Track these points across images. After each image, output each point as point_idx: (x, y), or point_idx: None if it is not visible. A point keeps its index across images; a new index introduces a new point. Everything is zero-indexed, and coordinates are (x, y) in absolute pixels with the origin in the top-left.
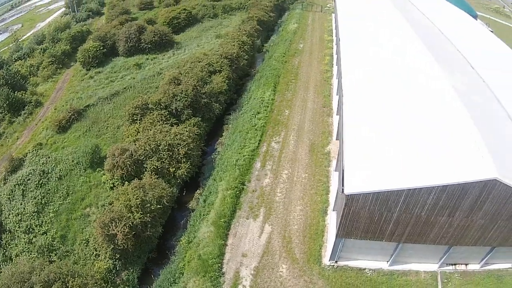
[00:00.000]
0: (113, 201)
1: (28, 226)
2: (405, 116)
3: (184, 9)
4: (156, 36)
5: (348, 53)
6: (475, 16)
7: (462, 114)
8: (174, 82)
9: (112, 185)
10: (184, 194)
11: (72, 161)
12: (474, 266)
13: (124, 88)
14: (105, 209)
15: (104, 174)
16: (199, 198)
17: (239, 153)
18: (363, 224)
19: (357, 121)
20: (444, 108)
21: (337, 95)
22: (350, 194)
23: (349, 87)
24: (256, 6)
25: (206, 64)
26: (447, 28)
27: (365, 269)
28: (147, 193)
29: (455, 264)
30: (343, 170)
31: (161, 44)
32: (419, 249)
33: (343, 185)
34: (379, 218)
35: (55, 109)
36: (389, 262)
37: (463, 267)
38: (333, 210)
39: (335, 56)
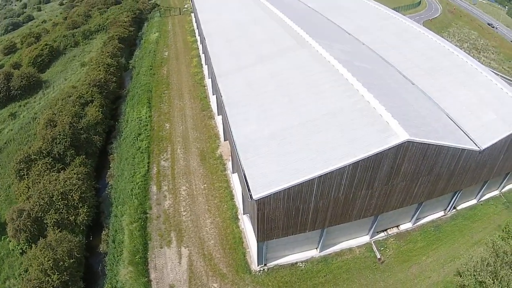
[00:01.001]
0: (27, 268)
1: None
2: (295, 103)
3: (46, 44)
4: (24, 80)
5: (216, 49)
6: None
7: (352, 84)
8: (50, 124)
9: (21, 251)
10: (91, 238)
11: None
12: (406, 225)
13: (5, 143)
14: (22, 278)
15: (10, 241)
16: (107, 240)
17: (132, 182)
18: (281, 223)
19: (244, 119)
20: (333, 83)
21: (213, 95)
22: (260, 198)
23: (225, 85)
24: (115, 24)
25: (77, 98)
26: (317, 4)
27: (296, 263)
28: (56, 251)
29: (386, 230)
30: (244, 176)
31: (30, 86)
32: (345, 227)
33: (249, 191)
34: (297, 212)
35: None
36: (318, 249)
37: (395, 229)
38: (244, 214)
39: (202, 56)
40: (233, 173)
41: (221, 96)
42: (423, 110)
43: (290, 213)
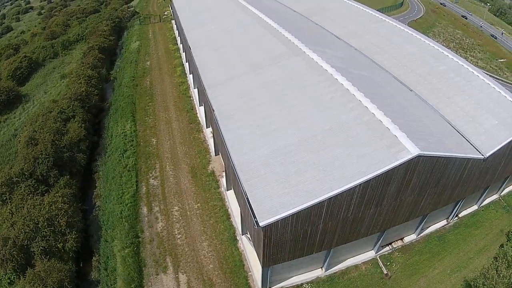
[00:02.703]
0: None
1: None
2: (294, 116)
3: (25, 56)
4: (3, 95)
5: (203, 58)
6: None
7: (354, 95)
8: (31, 143)
9: (9, 281)
10: (81, 265)
11: None
12: (411, 237)
13: None
14: None
15: None
16: (98, 267)
17: (121, 203)
18: (288, 247)
19: (240, 137)
20: (334, 94)
21: (200, 106)
22: (267, 225)
23: (216, 98)
24: (94, 34)
25: (58, 113)
26: (302, 8)
27: (302, 284)
28: (46, 282)
29: (391, 243)
30: (248, 200)
31: (10, 101)
32: (351, 243)
33: (255, 218)
34: (304, 235)
35: None
36: (324, 268)
37: (399, 242)
38: (242, 234)
39: (186, 65)
40: (227, 190)
41: (213, 110)
42: (426, 119)
43: (297, 236)
